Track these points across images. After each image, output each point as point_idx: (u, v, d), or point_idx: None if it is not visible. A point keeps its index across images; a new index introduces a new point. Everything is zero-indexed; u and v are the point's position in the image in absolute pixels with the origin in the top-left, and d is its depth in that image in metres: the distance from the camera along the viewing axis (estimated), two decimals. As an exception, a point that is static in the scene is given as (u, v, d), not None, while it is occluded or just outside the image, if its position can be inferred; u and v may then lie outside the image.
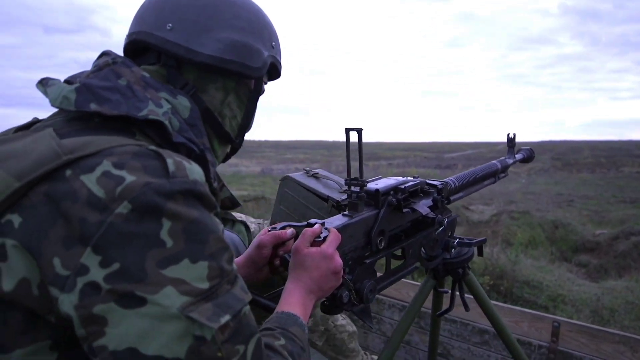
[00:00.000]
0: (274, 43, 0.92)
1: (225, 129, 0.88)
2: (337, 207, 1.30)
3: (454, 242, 1.37)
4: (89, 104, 0.69)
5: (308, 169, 1.47)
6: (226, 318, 0.60)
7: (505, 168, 1.77)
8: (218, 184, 0.84)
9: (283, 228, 1.04)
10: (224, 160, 0.95)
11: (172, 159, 0.63)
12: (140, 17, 0.85)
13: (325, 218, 1.03)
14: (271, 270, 1.04)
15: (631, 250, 9.21)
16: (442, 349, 2.28)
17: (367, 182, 1.09)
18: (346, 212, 1.06)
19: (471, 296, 1.59)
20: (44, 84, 0.74)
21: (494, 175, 1.70)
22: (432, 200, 1.28)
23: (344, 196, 1.09)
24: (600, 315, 5.86)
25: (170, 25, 0.81)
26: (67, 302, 0.57)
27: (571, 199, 17.56)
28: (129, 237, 0.57)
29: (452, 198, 1.45)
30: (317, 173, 1.47)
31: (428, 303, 1.62)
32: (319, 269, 0.88)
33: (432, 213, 1.22)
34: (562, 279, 7.29)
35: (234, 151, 0.96)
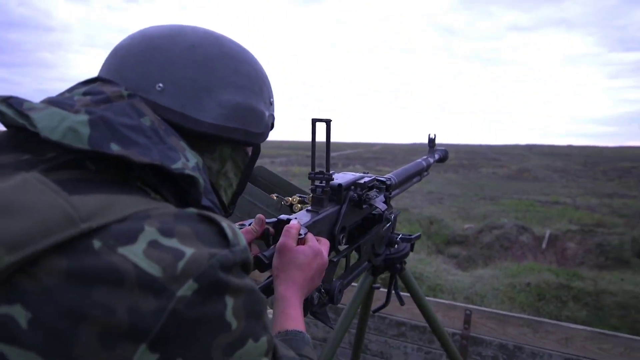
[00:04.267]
0: (272, 99, 0.79)
1: (222, 200, 0.75)
2: (290, 206, 1.24)
3: (396, 237, 1.39)
4: (109, 144, 0.52)
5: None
6: None
7: (428, 167, 1.84)
8: None
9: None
10: None
11: (226, 223, 0.52)
12: (118, 69, 0.66)
13: (275, 216, 0.96)
14: None
15: (494, 242, 10.39)
16: (359, 344, 2.32)
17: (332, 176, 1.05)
18: (310, 208, 1.00)
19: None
20: (13, 105, 0.53)
21: (420, 173, 1.77)
22: (384, 196, 1.28)
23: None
24: (472, 301, 6.52)
25: (160, 85, 0.64)
26: None
27: (441, 197, 19.24)
28: (193, 326, 0.45)
29: (392, 194, 1.47)
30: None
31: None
32: (310, 267, 0.81)
33: (385, 209, 1.21)
34: (439, 270, 7.96)
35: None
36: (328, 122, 0.97)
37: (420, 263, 8.07)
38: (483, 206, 16.76)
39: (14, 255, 0.41)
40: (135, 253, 0.45)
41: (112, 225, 0.46)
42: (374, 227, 1.22)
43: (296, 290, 0.78)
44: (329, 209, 1.01)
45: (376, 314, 2.32)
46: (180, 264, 0.46)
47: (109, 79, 0.64)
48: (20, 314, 0.41)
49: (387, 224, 1.28)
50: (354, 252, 1.18)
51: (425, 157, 1.90)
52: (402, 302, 1.56)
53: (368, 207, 1.13)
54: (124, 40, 0.69)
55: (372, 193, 1.21)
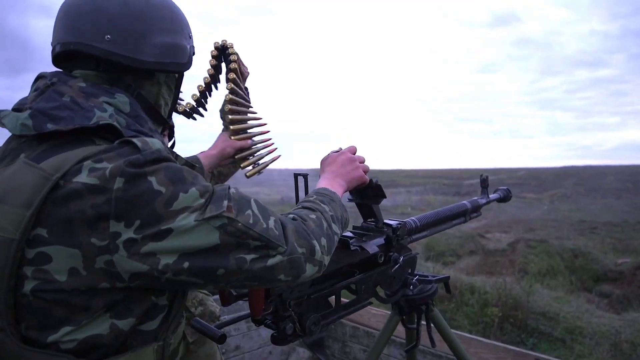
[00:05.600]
0: (190, 34, 1.02)
1: (163, 116, 1.03)
2: None
3: (412, 279, 1.43)
4: (45, 125, 0.80)
5: None
6: (225, 202, 0.79)
7: (476, 208, 1.82)
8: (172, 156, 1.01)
9: None
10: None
11: (138, 139, 0.78)
12: (73, 27, 0.89)
13: None
14: None
15: (655, 280, 8.92)
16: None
17: None
18: None
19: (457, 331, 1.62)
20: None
21: (464, 214, 1.76)
22: (385, 239, 1.35)
23: None
24: (621, 349, 5.67)
25: (108, 37, 0.88)
26: (121, 259, 0.73)
27: (594, 226, 17.10)
28: (134, 200, 0.73)
29: (414, 237, 1.52)
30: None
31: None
32: (336, 161, 1.17)
33: (380, 251, 1.29)
34: (580, 310, 7.10)
35: (165, 129, 1.10)
36: (305, 177, 1.13)
37: (556, 302, 7.31)
38: (646, 237, 14.47)
39: (30, 209, 0.73)
40: (82, 178, 0.74)
41: (70, 169, 0.75)
42: (373, 268, 1.30)
43: (329, 178, 1.13)
44: None
45: (445, 355, 2.28)
46: (107, 172, 0.74)
47: (43, 74, 0.90)
48: (42, 231, 0.73)
49: (395, 265, 1.35)
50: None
51: (475, 198, 1.88)
52: (433, 344, 1.57)
53: (358, 249, 1.23)
54: (72, 0, 0.92)
55: (369, 236, 1.31)
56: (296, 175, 1.19)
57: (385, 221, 1.39)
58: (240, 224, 0.78)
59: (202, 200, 0.77)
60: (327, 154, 1.21)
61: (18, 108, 0.85)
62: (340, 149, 1.22)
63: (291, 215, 0.92)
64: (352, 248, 1.21)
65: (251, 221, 0.80)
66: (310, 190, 1.24)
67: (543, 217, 19.95)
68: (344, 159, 1.17)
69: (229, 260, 0.78)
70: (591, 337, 6.16)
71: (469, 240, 12.01)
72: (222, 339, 1.03)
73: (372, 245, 1.27)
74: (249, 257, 0.79)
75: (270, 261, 0.81)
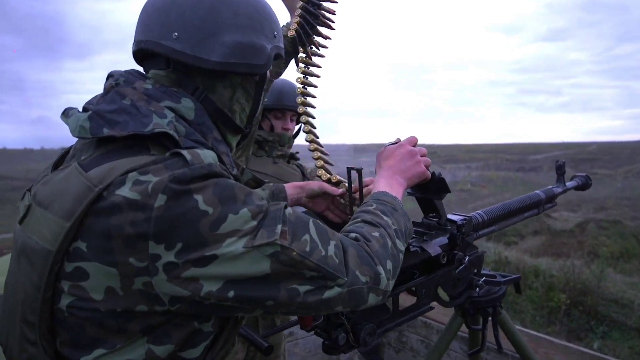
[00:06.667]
0: (275, 32, 0.91)
1: (237, 123, 0.91)
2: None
3: (478, 280, 1.30)
4: (102, 130, 0.75)
5: None
6: (279, 227, 0.71)
7: (551, 198, 1.64)
8: (238, 170, 0.91)
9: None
10: (237, 144, 0.98)
11: (187, 152, 0.72)
12: (146, 25, 0.85)
13: None
14: None
15: None
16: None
17: None
18: None
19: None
20: (66, 115, 0.80)
21: (537, 206, 1.59)
22: (448, 238, 1.22)
23: None
24: None
25: (176, 34, 0.81)
26: (160, 281, 0.67)
27: None
28: (176, 220, 0.66)
29: (481, 232, 1.38)
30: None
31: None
32: (394, 154, 1.04)
33: (442, 253, 1.16)
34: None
35: (244, 138, 0.99)
36: (359, 171, 1.02)
37: (631, 288, 6.83)
38: None
39: (69, 221, 0.68)
40: (124, 191, 0.67)
41: (115, 179, 0.69)
42: (435, 269, 1.18)
43: (383, 173, 1.02)
44: None
45: (511, 353, 2.14)
46: (150, 187, 0.67)
47: (112, 73, 0.85)
48: (82, 245, 0.68)
49: (460, 266, 1.22)
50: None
51: (550, 187, 1.70)
52: (500, 349, 1.44)
53: (419, 250, 1.12)
54: None
55: (430, 235, 1.19)
56: (349, 170, 1.08)
57: (449, 217, 1.26)
58: (295, 253, 0.71)
59: (254, 223, 0.70)
60: (384, 146, 1.09)
61: (85, 108, 0.81)
62: (399, 139, 1.09)
63: (353, 235, 0.83)
64: (412, 249, 1.09)
65: (308, 249, 0.72)
66: (363, 182, 1.14)
67: (616, 195, 18.66)
68: (403, 152, 1.04)
69: (279, 291, 0.71)
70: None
71: (534, 219, 11.44)
72: (268, 351, 0.96)
73: (434, 246, 1.15)
74: (302, 288, 0.72)
75: (327, 293, 0.73)
